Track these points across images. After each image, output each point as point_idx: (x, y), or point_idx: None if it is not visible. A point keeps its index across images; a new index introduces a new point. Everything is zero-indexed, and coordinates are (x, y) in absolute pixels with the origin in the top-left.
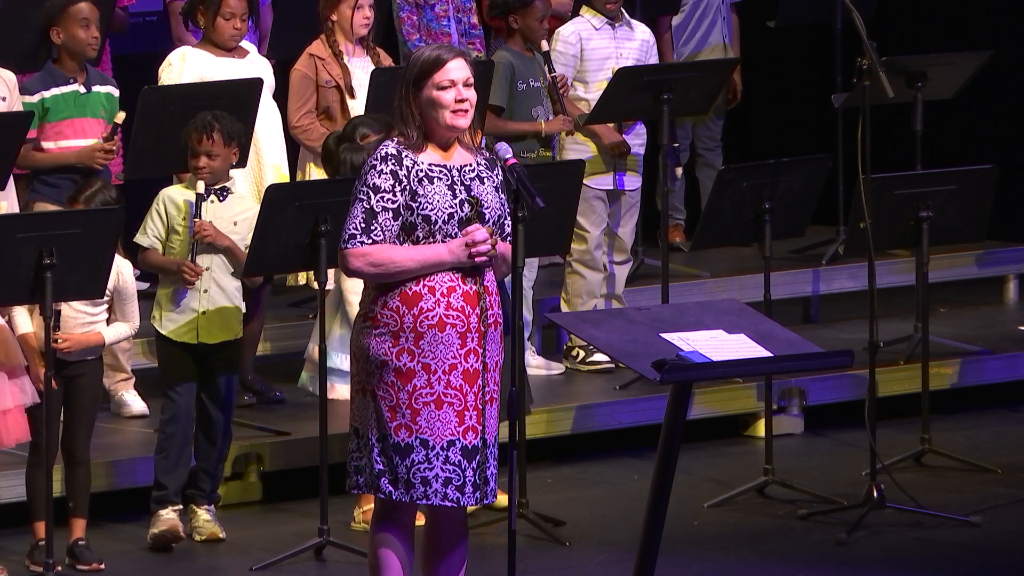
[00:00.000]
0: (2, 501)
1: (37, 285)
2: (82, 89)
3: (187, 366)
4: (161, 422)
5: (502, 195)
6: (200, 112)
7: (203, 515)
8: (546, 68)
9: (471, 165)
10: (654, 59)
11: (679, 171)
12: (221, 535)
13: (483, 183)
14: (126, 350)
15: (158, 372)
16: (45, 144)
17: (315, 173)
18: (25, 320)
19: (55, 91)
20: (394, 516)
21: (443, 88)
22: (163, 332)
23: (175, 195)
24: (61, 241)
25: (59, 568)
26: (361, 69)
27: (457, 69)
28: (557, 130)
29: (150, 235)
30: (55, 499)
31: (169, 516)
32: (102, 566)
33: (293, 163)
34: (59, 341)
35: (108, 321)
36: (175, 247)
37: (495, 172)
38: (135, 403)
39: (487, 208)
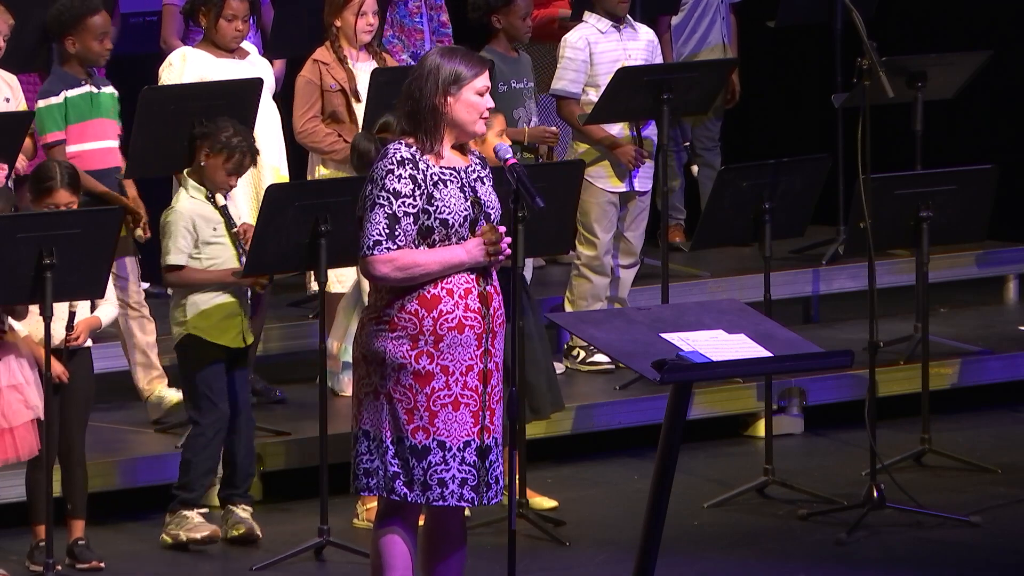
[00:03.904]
0: (2, 501)
1: (37, 285)
2: (94, 89)
3: (224, 377)
4: (203, 425)
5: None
6: (215, 130)
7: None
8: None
9: (472, 166)
10: (659, 59)
11: (695, 169)
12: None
13: (483, 183)
14: (155, 346)
15: (193, 379)
16: (71, 148)
17: (323, 174)
18: (20, 327)
19: (73, 92)
20: (400, 514)
21: (481, 94)
22: (219, 342)
23: (193, 209)
24: (61, 241)
25: (59, 568)
26: (366, 73)
27: (488, 77)
28: (538, 137)
29: (184, 251)
30: (55, 499)
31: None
32: (102, 564)
33: (302, 166)
34: (75, 338)
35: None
36: (219, 258)
37: (488, 171)
38: (173, 394)
39: (491, 208)
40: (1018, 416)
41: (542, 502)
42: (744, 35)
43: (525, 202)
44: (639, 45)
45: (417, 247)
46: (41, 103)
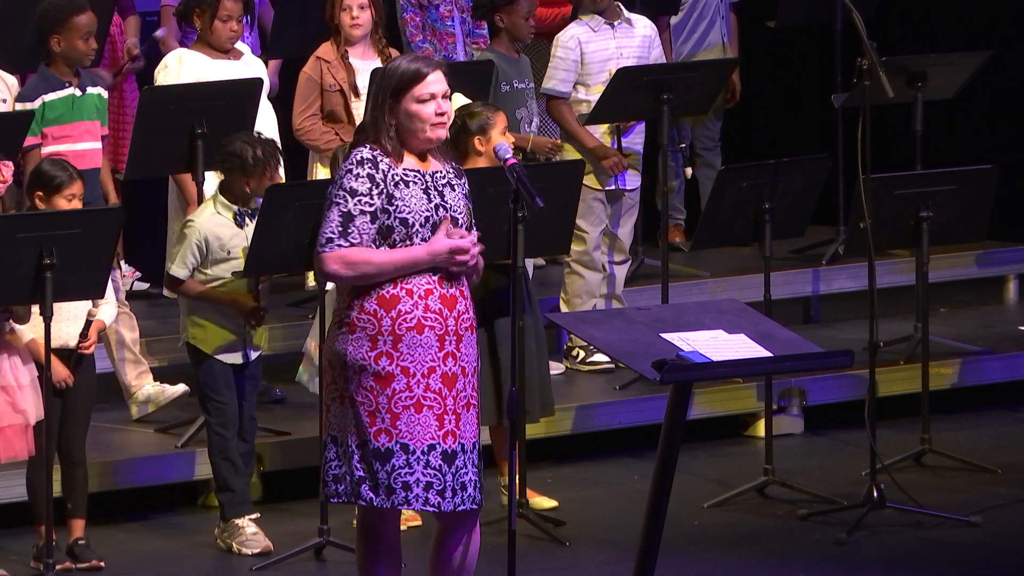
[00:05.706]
0: (2, 501)
1: (37, 285)
2: (77, 92)
3: (229, 375)
4: (215, 424)
5: (469, 204)
6: (235, 146)
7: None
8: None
9: (442, 172)
10: (657, 51)
11: (688, 171)
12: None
13: (453, 190)
14: (139, 342)
15: (197, 377)
16: (47, 149)
17: (322, 173)
18: (26, 330)
19: (52, 96)
20: (376, 529)
21: (423, 101)
22: (220, 358)
23: (212, 226)
24: (61, 241)
25: (59, 568)
26: (365, 72)
27: (436, 82)
28: (540, 148)
29: (188, 266)
30: (55, 499)
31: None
32: (102, 564)
33: (302, 165)
34: (89, 346)
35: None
36: (221, 279)
37: (463, 180)
38: (159, 390)
39: (458, 213)
40: (1018, 416)
41: (542, 502)
42: (744, 35)
43: (525, 202)
44: (633, 43)
45: (378, 247)
46: (17, 106)
